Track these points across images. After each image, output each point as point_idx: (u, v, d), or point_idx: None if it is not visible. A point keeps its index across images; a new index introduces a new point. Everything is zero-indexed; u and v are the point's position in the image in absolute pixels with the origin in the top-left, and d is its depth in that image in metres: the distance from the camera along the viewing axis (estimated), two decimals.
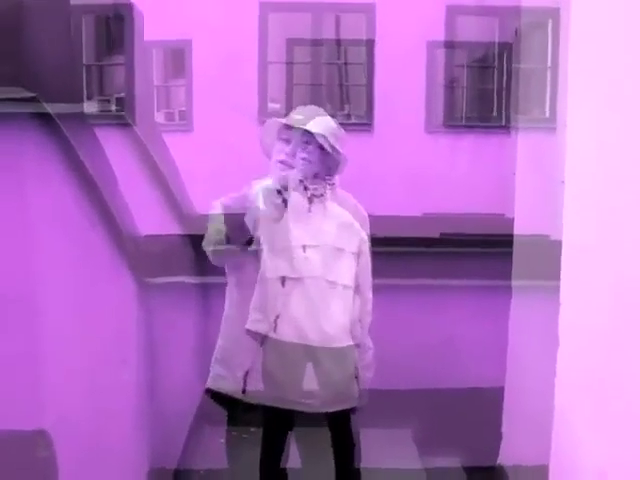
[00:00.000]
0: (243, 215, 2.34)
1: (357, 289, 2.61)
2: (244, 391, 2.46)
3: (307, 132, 2.49)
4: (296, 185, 2.48)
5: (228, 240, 2.37)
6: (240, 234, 2.37)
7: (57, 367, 2.12)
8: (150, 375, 3.06)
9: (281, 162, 2.52)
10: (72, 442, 2.16)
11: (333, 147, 2.53)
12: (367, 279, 2.66)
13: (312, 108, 2.65)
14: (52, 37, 1.93)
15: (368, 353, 2.73)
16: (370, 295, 2.69)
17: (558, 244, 2.13)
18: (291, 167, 2.51)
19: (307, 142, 2.50)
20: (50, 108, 1.79)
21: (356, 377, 2.60)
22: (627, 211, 1.83)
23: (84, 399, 2.31)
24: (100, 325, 2.49)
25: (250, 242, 2.39)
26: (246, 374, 2.46)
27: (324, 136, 2.51)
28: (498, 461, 3.81)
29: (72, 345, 2.25)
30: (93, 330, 2.43)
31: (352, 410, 2.72)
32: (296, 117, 2.58)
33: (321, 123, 2.54)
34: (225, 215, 2.35)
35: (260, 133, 2.65)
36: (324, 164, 2.56)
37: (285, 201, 2.46)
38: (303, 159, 2.49)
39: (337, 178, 2.90)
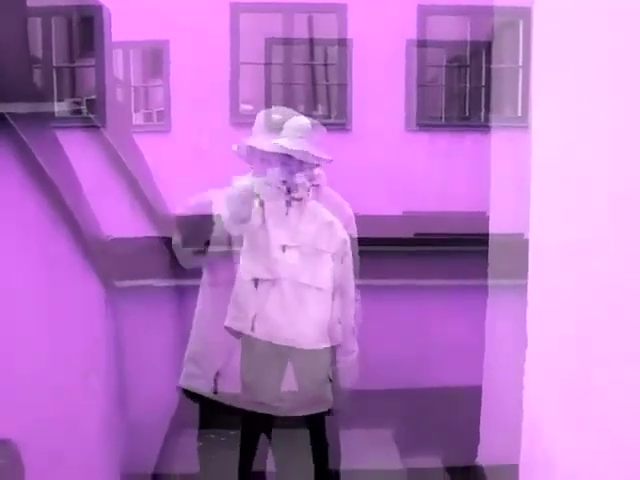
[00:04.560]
0: (199, 217, 2.28)
1: (340, 290, 2.58)
2: (215, 392, 2.42)
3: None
4: (278, 185, 2.43)
5: (185, 243, 2.32)
6: (196, 236, 2.32)
7: (22, 374, 2.09)
8: (121, 380, 3.02)
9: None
10: (39, 451, 2.13)
11: (317, 158, 2.48)
12: (349, 280, 2.63)
13: (276, 121, 2.50)
14: (7, 38, 1.89)
15: (351, 355, 2.69)
16: (352, 295, 2.66)
17: (515, 242, 2.12)
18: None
19: (286, 162, 2.43)
20: (5, 108, 1.74)
21: (330, 381, 2.56)
22: (594, 210, 1.82)
23: (51, 407, 2.27)
24: (67, 330, 2.45)
25: (207, 244, 2.34)
26: (217, 374, 2.42)
27: (303, 151, 2.45)
28: (476, 461, 3.81)
29: (38, 351, 2.21)
30: (59, 336, 2.39)
31: (329, 411, 2.69)
32: (267, 139, 2.46)
33: (293, 144, 2.43)
34: (184, 217, 2.29)
35: (236, 150, 2.55)
36: (307, 169, 2.51)
37: (262, 203, 2.42)
38: (288, 174, 2.43)
39: (323, 178, 2.86)
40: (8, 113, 1.74)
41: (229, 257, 2.40)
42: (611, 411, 1.73)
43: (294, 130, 2.47)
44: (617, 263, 1.70)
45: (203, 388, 2.44)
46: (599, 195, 1.79)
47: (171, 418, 3.87)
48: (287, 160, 2.43)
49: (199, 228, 2.25)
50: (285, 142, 2.42)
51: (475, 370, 3.85)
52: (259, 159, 2.48)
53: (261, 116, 2.57)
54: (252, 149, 2.49)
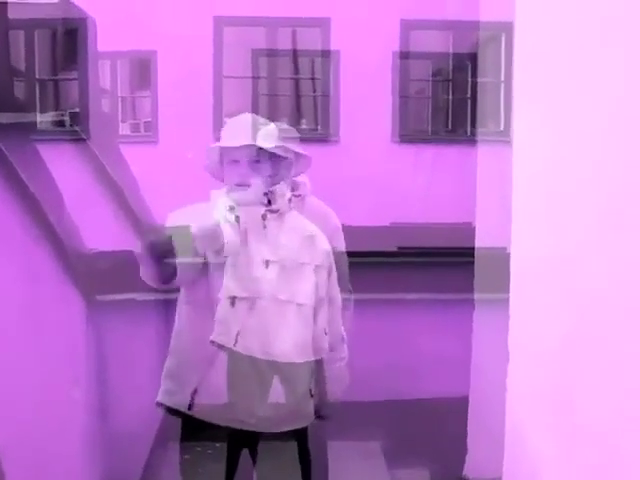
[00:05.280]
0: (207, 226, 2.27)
1: (328, 300, 2.56)
2: (190, 408, 2.40)
3: (256, 147, 2.43)
4: (259, 199, 2.42)
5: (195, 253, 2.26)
6: (209, 244, 2.30)
7: (4, 387, 2.07)
8: (104, 393, 2.99)
9: (238, 185, 2.44)
10: (21, 462, 2.11)
11: (288, 150, 2.49)
12: (336, 288, 2.61)
13: (243, 119, 2.55)
14: None
15: (340, 362, 2.67)
16: (339, 304, 2.64)
17: (500, 256, 2.13)
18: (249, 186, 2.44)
19: (258, 158, 2.44)
20: None
21: (311, 395, 2.55)
22: (575, 224, 1.83)
23: (33, 419, 2.25)
24: (48, 344, 2.43)
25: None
26: (194, 391, 2.40)
27: (279, 146, 2.47)
28: (463, 473, 3.80)
29: (20, 364, 2.20)
30: (41, 349, 2.37)
31: (320, 417, 2.66)
32: (232, 134, 2.48)
33: (270, 138, 2.45)
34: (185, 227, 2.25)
35: (205, 163, 2.53)
36: (283, 171, 2.52)
37: (237, 218, 2.40)
38: (266, 176, 2.44)
39: (307, 187, 2.86)
40: None
41: (205, 274, 2.39)
42: (594, 423, 1.73)
43: (268, 136, 2.47)
44: (598, 277, 1.70)
45: (181, 405, 2.43)
46: (580, 209, 1.80)
47: (157, 431, 3.85)
48: (258, 158, 2.42)
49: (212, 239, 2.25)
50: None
51: (459, 382, 3.86)
52: (229, 162, 2.45)
53: (230, 122, 2.62)
54: (222, 155, 2.48)
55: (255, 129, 2.47)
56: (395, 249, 5.41)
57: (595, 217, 1.73)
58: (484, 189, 4.07)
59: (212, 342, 2.37)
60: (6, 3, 1.94)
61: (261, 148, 2.41)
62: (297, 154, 2.57)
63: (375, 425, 4.25)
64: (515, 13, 2.11)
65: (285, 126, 2.71)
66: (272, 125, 2.54)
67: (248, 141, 2.41)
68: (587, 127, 1.76)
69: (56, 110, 6.07)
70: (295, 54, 7.70)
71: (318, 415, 2.62)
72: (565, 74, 1.88)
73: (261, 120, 2.56)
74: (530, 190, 2.08)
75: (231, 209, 2.34)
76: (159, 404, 2.49)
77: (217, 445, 2.51)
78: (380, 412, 4.52)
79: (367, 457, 4.13)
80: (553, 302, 1.94)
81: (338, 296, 2.65)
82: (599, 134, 1.71)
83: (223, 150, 2.46)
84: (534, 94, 2.03)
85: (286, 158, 2.50)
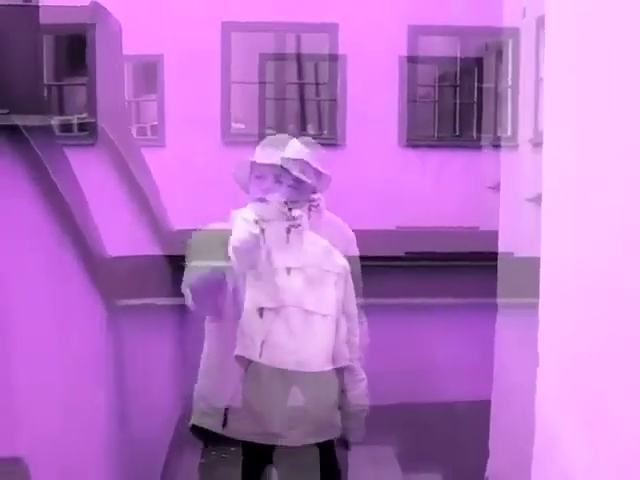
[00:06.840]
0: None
1: (346, 314, 2.60)
2: (224, 425, 2.40)
3: (280, 167, 2.52)
4: (280, 209, 2.45)
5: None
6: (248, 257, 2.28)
7: (27, 390, 2.06)
8: (123, 397, 2.99)
9: (259, 199, 2.50)
10: (47, 468, 2.11)
11: (313, 171, 2.56)
12: (351, 305, 2.64)
13: (279, 138, 2.69)
14: (22, 54, 1.89)
15: (361, 384, 2.68)
16: (356, 320, 2.67)
17: (522, 261, 2.13)
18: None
19: (281, 176, 2.52)
20: (19, 121, 1.74)
21: (339, 407, 2.55)
22: (604, 228, 1.82)
23: (56, 422, 2.25)
24: (69, 348, 2.43)
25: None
26: (227, 409, 2.40)
27: (301, 160, 2.55)
28: (486, 476, 3.79)
29: (42, 370, 2.19)
30: (63, 355, 2.37)
31: (346, 446, 2.68)
32: (265, 152, 2.60)
33: (292, 151, 2.57)
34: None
35: (234, 171, 2.67)
36: (304, 188, 2.58)
37: (263, 230, 2.43)
38: (287, 188, 2.50)
39: (322, 200, 2.89)
40: (23, 126, 1.74)
41: (233, 293, 2.39)
42: (626, 428, 1.72)
43: (291, 149, 2.59)
44: (629, 280, 1.70)
45: (214, 425, 2.43)
46: (610, 213, 1.79)
47: (172, 434, 3.85)
48: (283, 175, 2.51)
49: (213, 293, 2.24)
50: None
51: (469, 386, 3.85)
52: (255, 176, 2.55)
53: (267, 139, 2.73)
54: (251, 170, 2.59)
55: (282, 150, 2.60)
56: (402, 254, 5.42)
57: (626, 221, 1.73)
58: (504, 194, 4.07)
59: (237, 357, 2.37)
60: (38, 7, 1.95)
61: (285, 169, 2.52)
62: (318, 173, 2.63)
63: (389, 430, 4.24)
64: (545, 13, 2.11)
65: (313, 143, 2.76)
66: (300, 145, 2.64)
67: (273, 160, 2.55)
68: (618, 131, 1.76)
69: (63, 115, 6.05)
70: (302, 59, 7.73)
71: (342, 441, 2.63)
72: (595, 76, 1.88)
73: (294, 140, 2.66)
74: (560, 195, 2.07)
75: (256, 222, 2.37)
76: (193, 427, 2.49)
77: (232, 449, 2.50)
78: (394, 416, 4.51)
79: (381, 462, 4.13)
80: (582, 306, 1.93)
81: (355, 311, 2.68)
82: (631, 138, 1.71)
83: (252, 164, 2.62)
84: (565, 97, 2.03)
85: (309, 183, 2.57)
